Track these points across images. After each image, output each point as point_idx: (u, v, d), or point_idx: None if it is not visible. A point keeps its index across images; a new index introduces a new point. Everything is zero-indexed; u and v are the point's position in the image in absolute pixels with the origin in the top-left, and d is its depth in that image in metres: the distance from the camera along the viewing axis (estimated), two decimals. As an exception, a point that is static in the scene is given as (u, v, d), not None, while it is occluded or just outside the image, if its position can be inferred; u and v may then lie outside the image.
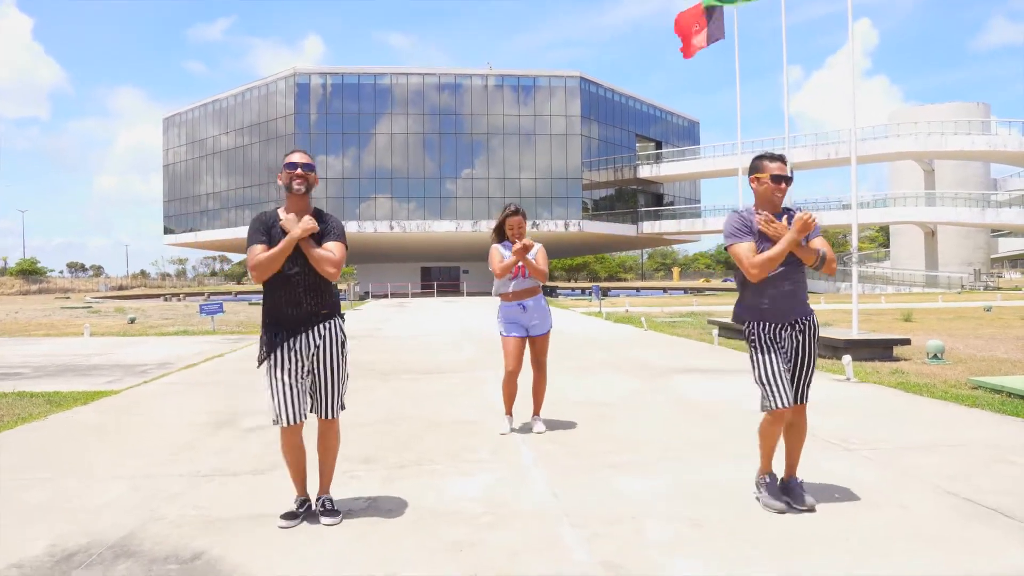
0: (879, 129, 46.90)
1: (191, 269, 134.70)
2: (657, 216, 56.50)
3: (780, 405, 3.55)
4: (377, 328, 17.60)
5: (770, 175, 3.55)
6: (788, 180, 3.56)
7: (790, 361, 3.60)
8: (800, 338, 3.60)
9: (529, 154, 50.35)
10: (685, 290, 63.53)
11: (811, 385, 3.67)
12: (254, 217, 3.53)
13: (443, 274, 56.07)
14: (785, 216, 3.60)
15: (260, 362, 3.45)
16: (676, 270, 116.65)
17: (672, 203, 60.76)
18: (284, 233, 3.40)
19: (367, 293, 49.51)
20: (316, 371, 3.46)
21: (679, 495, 3.82)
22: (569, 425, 5.66)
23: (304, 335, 3.42)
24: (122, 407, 6.77)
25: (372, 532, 3.34)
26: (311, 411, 3.53)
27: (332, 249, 3.44)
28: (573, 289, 73.33)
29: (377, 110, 49.44)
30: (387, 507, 3.68)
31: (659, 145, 58.84)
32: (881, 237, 77.59)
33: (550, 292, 53.05)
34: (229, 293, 68.98)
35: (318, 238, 3.44)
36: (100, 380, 8.60)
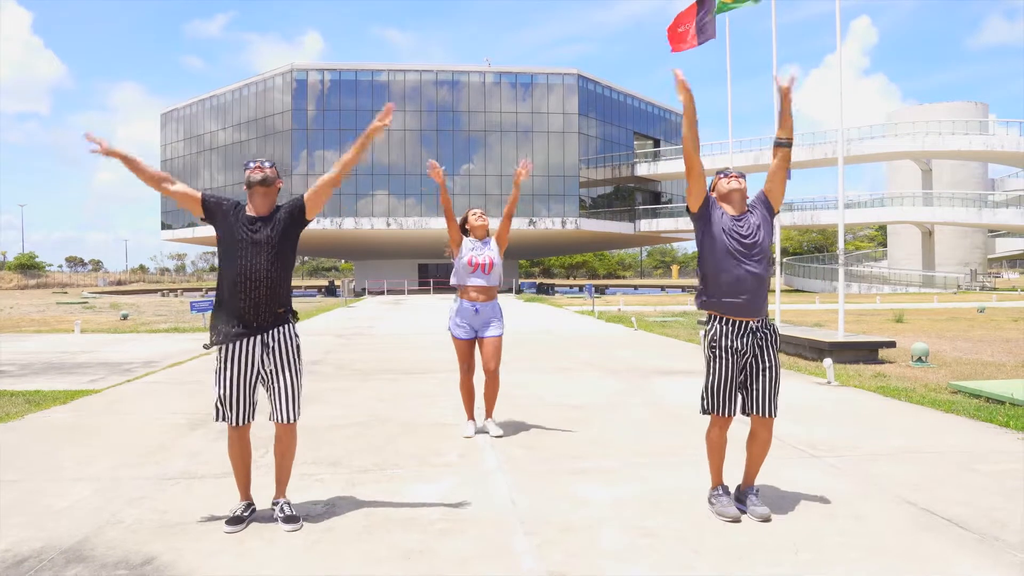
0: (876, 128, 46.86)
1: (190, 264, 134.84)
2: (655, 214, 56.48)
3: (723, 413, 3.58)
4: (369, 326, 17.61)
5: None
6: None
7: (743, 371, 3.58)
8: (760, 349, 3.56)
9: (527, 151, 50.29)
10: (683, 288, 63.51)
11: (777, 396, 3.59)
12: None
13: (440, 271, 56.04)
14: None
15: (208, 347, 3.47)
16: (675, 268, 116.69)
17: (670, 201, 60.71)
18: (243, 224, 3.43)
19: (364, 290, 49.53)
20: (270, 373, 3.44)
21: (639, 503, 3.83)
22: (540, 429, 5.67)
23: (259, 334, 3.41)
24: (100, 407, 6.78)
25: (325, 538, 3.35)
26: (268, 418, 3.53)
27: (319, 191, 3.57)
28: (571, 287, 73.27)
29: (375, 106, 49.32)
30: (344, 511, 3.69)
31: (657, 143, 58.80)
32: (880, 236, 77.58)
33: (547, 290, 53.06)
34: (227, 289, 68.84)
35: (287, 220, 3.49)
36: (83, 379, 8.61)
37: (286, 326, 3.50)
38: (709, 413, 3.62)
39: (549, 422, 5.89)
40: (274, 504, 3.58)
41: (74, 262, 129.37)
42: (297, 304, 35.86)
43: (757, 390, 3.56)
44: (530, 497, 3.94)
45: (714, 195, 3.64)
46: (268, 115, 50.47)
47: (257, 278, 3.38)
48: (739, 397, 3.60)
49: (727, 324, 3.55)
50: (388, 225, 48.34)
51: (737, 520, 3.51)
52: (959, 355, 10.55)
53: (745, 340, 3.54)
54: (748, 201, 3.66)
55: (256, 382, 3.46)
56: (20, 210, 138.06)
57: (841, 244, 11.06)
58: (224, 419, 3.48)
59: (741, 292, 3.49)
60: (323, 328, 17.03)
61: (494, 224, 5.47)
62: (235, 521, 3.47)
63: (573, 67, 50.78)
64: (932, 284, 48.59)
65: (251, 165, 3.50)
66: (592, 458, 4.78)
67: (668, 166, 55.30)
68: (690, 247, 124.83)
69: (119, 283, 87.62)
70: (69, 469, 4.58)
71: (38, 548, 3.23)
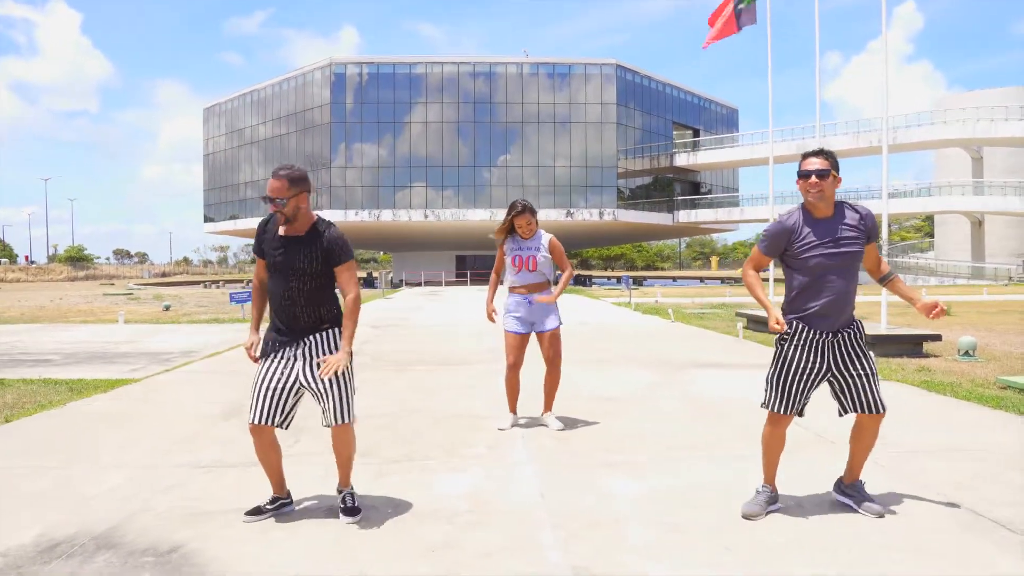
0: (924, 115, 45.47)
1: (232, 256, 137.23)
2: (694, 205, 55.77)
3: (777, 409, 3.47)
4: (404, 318, 17.70)
5: (797, 173, 3.41)
6: (819, 174, 3.32)
7: (834, 371, 3.42)
8: (844, 348, 3.41)
9: (564, 142, 50.05)
10: (722, 280, 62.74)
11: (878, 392, 3.44)
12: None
13: (477, 262, 56.15)
14: (845, 208, 3.42)
15: (257, 358, 3.48)
16: (714, 259, 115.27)
17: (709, 192, 59.88)
18: (277, 240, 3.39)
19: (401, 281, 49.93)
20: (314, 383, 3.37)
21: (669, 498, 3.75)
22: (573, 421, 5.60)
23: (301, 342, 3.38)
24: (139, 396, 6.91)
25: (350, 531, 3.34)
26: (322, 423, 3.52)
27: (344, 282, 3.43)
28: (608, 279, 72.91)
29: (412, 99, 49.60)
30: (371, 504, 3.68)
31: (696, 133, 58.00)
32: (927, 227, 75.55)
33: (584, 282, 52.83)
34: (268, 280, 69.97)
35: (323, 259, 3.37)
36: (124, 368, 8.79)
37: (332, 333, 3.45)
38: (767, 407, 3.59)
39: (582, 414, 5.83)
40: (338, 492, 3.59)
41: (121, 254, 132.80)
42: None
43: (855, 389, 3.49)
44: (558, 490, 3.88)
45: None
46: (307, 109, 51.01)
47: (292, 298, 3.36)
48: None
49: (810, 328, 3.54)
50: (426, 217, 48.56)
51: (754, 517, 3.42)
52: (1009, 349, 10.19)
53: (825, 340, 3.46)
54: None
55: (292, 390, 3.38)
56: (70, 204, 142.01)
57: (885, 234, 10.75)
58: (249, 417, 3.42)
59: (830, 307, 3.51)
60: (360, 319, 17.12)
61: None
62: (254, 512, 3.48)
63: (611, 57, 50.30)
64: (982, 276, 47.12)
65: (268, 200, 3.34)
66: (623, 451, 4.71)
67: (707, 156, 54.53)
68: (730, 238, 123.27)
69: (163, 275, 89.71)
70: (105, 456, 4.66)
71: (72, 534, 3.28)
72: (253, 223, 56.56)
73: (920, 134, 44.06)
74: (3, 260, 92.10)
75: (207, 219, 62.03)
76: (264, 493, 3.68)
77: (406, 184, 49.36)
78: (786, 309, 3.52)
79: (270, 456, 3.52)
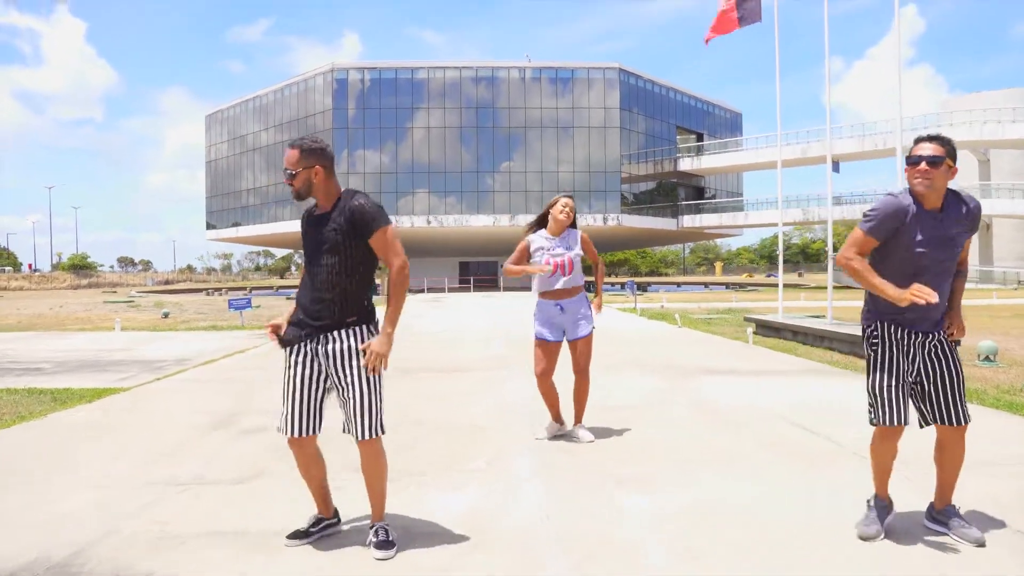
0: (930, 118, 45.10)
1: (236, 264, 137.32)
2: (698, 210, 55.44)
3: (889, 423, 3.09)
4: (408, 324, 17.39)
5: (906, 159, 3.03)
6: (931, 161, 2.94)
7: (919, 375, 3.11)
8: (936, 348, 3.11)
9: (567, 147, 49.81)
10: (727, 285, 62.27)
11: (962, 403, 3.12)
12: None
13: (481, 269, 55.88)
14: (953, 199, 3.05)
15: (282, 346, 3.10)
16: (718, 265, 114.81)
17: (714, 196, 59.55)
18: (311, 220, 3.10)
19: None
20: (339, 383, 3.02)
21: (686, 516, 3.42)
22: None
23: (325, 339, 3.01)
24: (125, 406, 6.60)
25: (337, 557, 3.02)
26: (343, 430, 3.12)
27: (385, 251, 3.02)
28: (612, 284, 72.50)
29: (414, 104, 49.43)
30: (361, 525, 3.35)
31: (700, 137, 57.71)
32: (933, 231, 74.81)
33: (589, 288, 52.49)
34: (271, 287, 69.91)
35: (349, 232, 3.00)
36: (115, 377, 8.49)
37: (360, 327, 3.07)
38: (876, 424, 3.18)
39: (590, 424, 5.50)
40: (370, 527, 3.16)
41: (125, 262, 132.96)
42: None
43: (940, 394, 3.14)
44: (565, 510, 3.56)
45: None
46: (309, 115, 50.88)
47: (318, 283, 3.03)
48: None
49: (900, 327, 3.19)
50: (428, 223, 48.32)
51: (872, 539, 3.10)
52: (1030, 353, 9.83)
53: (916, 340, 3.13)
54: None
55: (323, 390, 3.07)
56: (75, 212, 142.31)
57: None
58: (284, 430, 3.06)
59: (924, 307, 3.13)
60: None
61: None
62: (296, 535, 3.14)
63: (614, 61, 50.08)
64: (990, 279, 46.67)
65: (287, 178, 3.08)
66: (634, 464, 4.38)
67: (712, 160, 54.21)
68: (734, 243, 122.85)
69: (167, 283, 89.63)
70: (79, 473, 4.34)
71: (28, 562, 2.96)
72: (255, 230, 56.43)
73: (926, 137, 43.64)
74: (7, 268, 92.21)
75: (209, 226, 61.89)
76: (240, 514, 3.38)
77: (408, 190, 49.15)
78: (873, 309, 3.18)
79: (312, 470, 3.16)
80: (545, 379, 5.02)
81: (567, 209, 4.92)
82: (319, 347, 3.01)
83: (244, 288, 64.87)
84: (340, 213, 3.00)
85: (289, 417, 3.03)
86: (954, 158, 3.01)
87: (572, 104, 49.80)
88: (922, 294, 2.80)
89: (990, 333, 12.85)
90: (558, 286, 4.91)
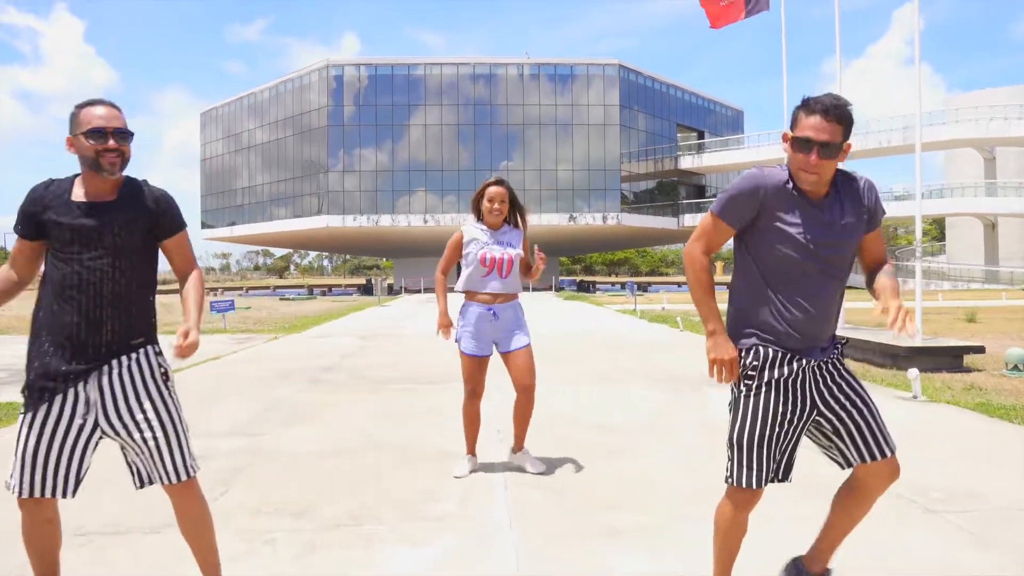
0: (935, 115, 44.40)
1: (235, 263, 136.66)
2: (699, 208, 54.73)
3: (749, 484, 2.32)
4: (396, 326, 16.72)
5: (793, 138, 2.19)
6: (823, 151, 2.13)
7: (809, 417, 2.33)
8: (829, 376, 2.34)
9: (566, 145, 49.14)
10: (726, 286, 61.65)
11: (882, 432, 2.32)
12: (32, 187, 2.37)
13: (479, 268, 55.15)
14: (841, 179, 2.27)
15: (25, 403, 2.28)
16: (719, 264, 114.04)
17: (715, 195, 58.78)
18: (77, 209, 2.27)
19: (401, 288, 48.95)
20: (134, 422, 2.27)
21: (696, 588, 2.72)
22: (568, 461, 4.57)
23: (100, 373, 2.26)
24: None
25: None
26: (150, 480, 2.35)
27: (184, 255, 2.46)
28: (613, 284, 71.81)
29: (411, 102, 48.74)
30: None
31: (701, 135, 57.04)
32: (934, 230, 74.24)
33: (588, 288, 51.80)
34: (268, 287, 69.25)
35: (144, 227, 2.35)
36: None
37: (146, 353, 2.35)
38: (731, 483, 2.44)
39: (581, 451, 4.80)
40: None
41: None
42: (332, 303, 34.97)
43: (854, 431, 2.35)
44: (546, 570, 2.87)
45: (785, 146, 2.39)
46: (304, 112, 50.20)
47: (107, 290, 2.28)
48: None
49: (780, 350, 2.38)
50: (426, 222, 47.61)
51: None
52: (1059, 361, 9.12)
53: (803, 370, 2.31)
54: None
55: (88, 445, 2.29)
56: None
57: (919, 236, 9.73)
58: (14, 489, 2.26)
59: (809, 323, 2.37)
60: (348, 329, 16.19)
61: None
62: None
63: (614, 58, 49.37)
64: (996, 280, 45.99)
65: (105, 140, 2.34)
66: (631, 508, 3.68)
67: (713, 159, 53.55)
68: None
69: (163, 283, 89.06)
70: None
71: None
72: (251, 229, 55.75)
73: (932, 133, 42.93)
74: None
75: (205, 225, 61.20)
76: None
77: (406, 189, 48.45)
78: (740, 324, 2.36)
79: (45, 541, 2.34)
80: (476, 402, 4.27)
81: (495, 204, 4.12)
82: (93, 383, 2.25)
83: (242, 288, 64.21)
84: (132, 203, 2.34)
85: (25, 470, 2.23)
86: (851, 132, 2.19)
87: (571, 101, 49.10)
88: (719, 362, 2.26)
89: (1007, 337, 12.16)
90: (491, 289, 4.13)
